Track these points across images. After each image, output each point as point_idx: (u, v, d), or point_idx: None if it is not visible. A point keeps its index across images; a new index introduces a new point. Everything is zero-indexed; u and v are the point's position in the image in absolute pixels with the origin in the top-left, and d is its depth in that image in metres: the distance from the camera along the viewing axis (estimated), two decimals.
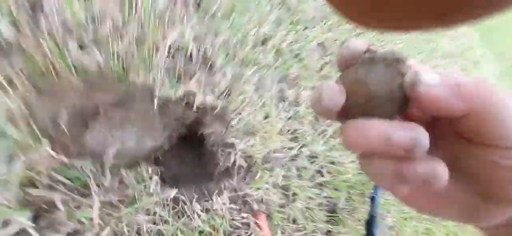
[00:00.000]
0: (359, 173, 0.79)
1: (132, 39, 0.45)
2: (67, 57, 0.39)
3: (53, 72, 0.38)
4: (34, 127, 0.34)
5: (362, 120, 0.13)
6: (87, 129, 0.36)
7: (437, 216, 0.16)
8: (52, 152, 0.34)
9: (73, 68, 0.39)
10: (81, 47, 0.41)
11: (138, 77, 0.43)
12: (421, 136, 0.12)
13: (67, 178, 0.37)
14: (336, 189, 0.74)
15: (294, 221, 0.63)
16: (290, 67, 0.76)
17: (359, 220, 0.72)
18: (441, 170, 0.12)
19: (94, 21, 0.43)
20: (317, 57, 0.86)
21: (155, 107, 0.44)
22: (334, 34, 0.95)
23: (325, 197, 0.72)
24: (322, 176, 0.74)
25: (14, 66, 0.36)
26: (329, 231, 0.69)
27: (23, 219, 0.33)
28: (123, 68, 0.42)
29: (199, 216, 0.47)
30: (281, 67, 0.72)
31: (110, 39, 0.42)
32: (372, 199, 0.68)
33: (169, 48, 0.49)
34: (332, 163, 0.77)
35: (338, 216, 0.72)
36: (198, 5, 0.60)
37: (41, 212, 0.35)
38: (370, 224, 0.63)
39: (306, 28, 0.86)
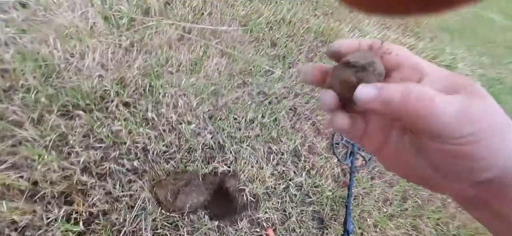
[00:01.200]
0: (338, 190, 1.18)
1: (180, 161, 0.98)
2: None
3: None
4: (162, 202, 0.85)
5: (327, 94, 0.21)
6: (177, 198, 0.85)
7: (409, 180, 0.23)
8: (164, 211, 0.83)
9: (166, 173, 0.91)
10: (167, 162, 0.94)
11: (190, 168, 0.95)
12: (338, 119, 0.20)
13: (168, 222, 0.85)
14: (321, 204, 1.13)
15: (293, 230, 1.02)
16: (271, 131, 1.26)
17: (340, 224, 1.08)
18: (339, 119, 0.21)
19: (177, 149, 0.98)
20: (290, 118, 1.36)
21: (200, 179, 0.94)
22: (303, 98, 1.46)
23: (313, 211, 1.10)
24: (309, 197, 1.14)
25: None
26: (320, 234, 1.06)
27: None
28: (185, 167, 0.94)
29: (232, 234, 0.91)
30: (265, 134, 1.22)
31: (180, 159, 0.95)
32: (346, 206, 1.07)
33: (202, 148, 1.02)
34: (316, 186, 1.18)
35: (326, 223, 1.09)
36: (210, 118, 1.15)
37: None
38: (345, 223, 1.01)
39: (278, 102, 1.39)
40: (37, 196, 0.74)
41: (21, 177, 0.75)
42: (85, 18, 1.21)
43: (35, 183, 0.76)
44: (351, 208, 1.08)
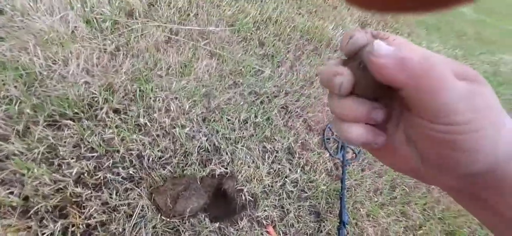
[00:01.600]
0: (331, 183, 1.25)
1: (177, 166, 0.99)
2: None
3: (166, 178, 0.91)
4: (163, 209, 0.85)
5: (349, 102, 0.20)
6: (177, 203, 0.86)
7: (398, 170, 0.23)
8: (164, 217, 0.84)
9: (163, 179, 0.92)
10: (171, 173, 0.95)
11: (188, 172, 0.96)
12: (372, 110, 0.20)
13: (169, 228, 0.86)
14: (317, 198, 1.19)
15: (292, 226, 1.07)
16: (265, 130, 1.29)
17: (335, 216, 1.14)
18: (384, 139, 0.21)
19: (183, 156, 0.98)
20: (282, 116, 1.41)
21: (199, 183, 0.95)
22: (293, 96, 1.51)
23: (310, 205, 1.16)
24: (305, 192, 1.19)
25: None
26: (318, 227, 1.11)
27: None
28: (182, 171, 0.95)
29: (233, 234, 0.93)
30: (259, 133, 1.26)
31: (177, 164, 0.96)
32: (341, 198, 1.13)
33: (198, 151, 1.03)
34: (311, 181, 1.23)
35: (322, 216, 1.15)
36: (204, 120, 1.17)
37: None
38: (340, 215, 1.07)
39: (270, 101, 1.43)
40: (30, 212, 0.72)
41: (11, 193, 0.73)
42: (65, 22, 1.17)
43: (26, 198, 0.74)
44: (345, 200, 1.15)
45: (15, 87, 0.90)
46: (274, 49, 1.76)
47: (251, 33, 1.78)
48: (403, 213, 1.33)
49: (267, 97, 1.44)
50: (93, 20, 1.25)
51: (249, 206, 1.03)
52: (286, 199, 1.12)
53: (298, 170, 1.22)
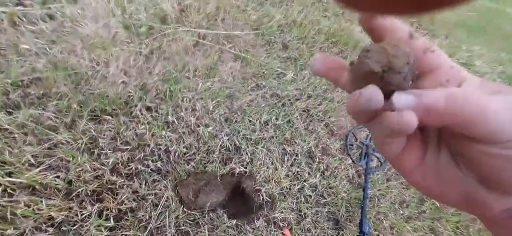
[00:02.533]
0: (353, 191, 1.20)
1: (200, 163, 1.04)
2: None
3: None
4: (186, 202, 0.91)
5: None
6: (198, 197, 0.91)
7: (443, 202, 0.20)
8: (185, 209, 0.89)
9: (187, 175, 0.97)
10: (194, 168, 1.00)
11: (209, 169, 1.00)
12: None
13: (190, 220, 0.91)
14: (336, 205, 1.16)
15: (309, 230, 1.05)
16: (285, 132, 1.30)
17: (356, 225, 1.10)
18: (409, 117, 0.16)
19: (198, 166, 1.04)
20: (303, 119, 1.40)
21: (219, 180, 0.99)
22: (316, 100, 1.49)
23: (328, 212, 1.13)
24: (324, 198, 1.17)
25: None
26: (336, 235, 1.08)
27: None
28: (204, 167, 1.00)
29: (250, 232, 0.95)
30: (279, 135, 1.26)
31: (199, 160, 1.01)
32: (362, 207, 1.09)
33: (220, 149, 1.07)
34: (330, 187, 1.20)
35: (341, 224, 1.11)
36: (226, 120, 1.21)
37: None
38: (361, 224, 1.04)
39: (291, 104, 1.43)
40: (72, 195, 0.82)
41: (58, 177, 0.83)
42: (107, 28, 1.30)
43: (70, 182, 0.84)
44: (367, 209, 1.10)
45: (65, 85, 1.02)
46: (297, 52, 1.76)
47: (275, 37, 1.79)
48: (432, 229, 1.23)
49: (289, 100, 1.44)
50: (131, 26, 1.37)
51: (266, 206, 1.04)
52: (304, 203, 1.11)
53: (318, 175, 1.20)
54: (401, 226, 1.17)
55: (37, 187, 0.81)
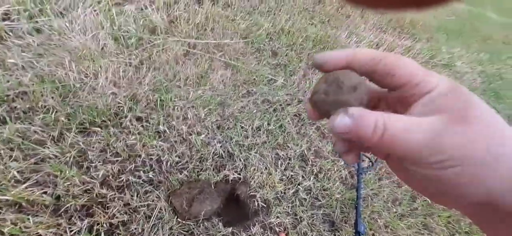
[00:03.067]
0: (346, 192, 1.21)
1: (192, 171, 1.03)
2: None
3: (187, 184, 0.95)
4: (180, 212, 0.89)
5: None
6: (192, 206, 0.89)
7: (426, 196, 0.22)
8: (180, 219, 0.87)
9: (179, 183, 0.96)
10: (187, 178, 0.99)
11: (203, 177, 0.99)
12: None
13: (184, 230, 0.89)
14: (331, 207, 1.16)
15: (305, 234, 1.05)
16: (278, 137, 1.30)
17: (351, 226, 1.10)
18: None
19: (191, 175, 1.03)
20: (295, 124, 1.41)
21: (213, 187, 0.98)
22: (305, 105, 1.52)
23: (324, 214, 1.13)
24: (319, 200, 1.17)
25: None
26: None
27: None
28: (198, 176, 0.99)
29: None
30: (272, 140, 1.27)
31: (192, 168, 1.00)
32: (356, 207, 1.10)
33: (213, 157, 1.07)
34: (325, 189, 1.21)
35: (337, 226, 1.12)
36: (218, 128, 1.21)
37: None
38: (356, 225, 1.04)
39: (283, 109, 1.45)
40: (60, 210, 0.79)
41: (45, 192, 0.80)
42: (96, 40, 1.29)
43: (58, 197, 0.81)
44: (361, 209, 1.10)
45: (52, 98, 1.00)
46: (287, 58, 1.79)
47: (264, 44, 1.82)
48: (425, 225, 1.25)
49: (280, 105, 1.45)
50: (120, 37, 1.36)
51: (261, 212, 1.03)
52: (299, 206, 1.11)
53: (312, 178, 1.21)
54: (395, 224, 1.19)
55: (23, 204, 0.77)
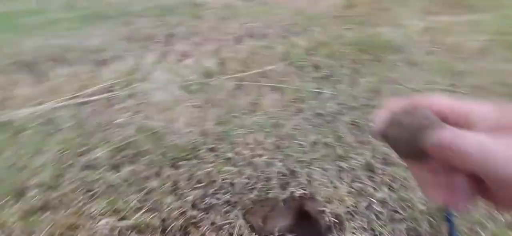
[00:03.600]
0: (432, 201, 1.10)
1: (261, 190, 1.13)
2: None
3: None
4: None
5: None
6: (266, 223, 0.98)
7: None
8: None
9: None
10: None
11: (271, 195, 1.08)
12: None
13: None
14: (416, 220, 1.06)
15: None
16: (336, 149, 1.31)
17: None
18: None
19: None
20: (353, 132, 1.39)
21: (282, 204, 1.05)
22: (361, 110, 1.49)
23: (407, 228, 1.05)
24: (399, 213, 1.09)
25: None
26: None
27: None
28: (266, 194, 1.08)
29: None
30: (331, 153, 1.28)
31: (260, 188, 1.11)
32: (447, 219, 0.98)
33: (277, 175, 1.15)
34: (403, 200, 1.13)
35: None
36: (277, 148, 1.30)
37: None
38: None
39: (335, 119, 1.45)
40: (167, 230, 0.99)
41: (155, 216, 1.02)
42: (171, 93, 1.62)
43: (163, 220, 1.02)
44: (453, 220, 0.97)
45: (149, 143, 1.29)
46: (329, 69, 1.82)
47: (305, 61, 1.91)
48: None
49: (332, 116, 1.47)
50: (186, 86, 1.67)
51: (334, 228, 1.04)
52: (375, 220, 1.06)
53: (385, 188, 1.15)
54: (505, 235, 1.00)
55: (142, 226, 1.00)
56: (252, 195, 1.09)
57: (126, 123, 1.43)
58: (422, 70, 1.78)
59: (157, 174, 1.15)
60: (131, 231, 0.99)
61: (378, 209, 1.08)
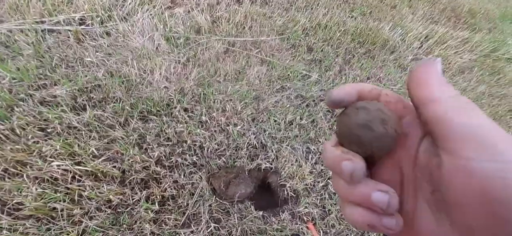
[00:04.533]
0: None
1: (229, 158, 1.12)
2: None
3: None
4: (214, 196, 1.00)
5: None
6: (228, 188, 0.99)
7: None
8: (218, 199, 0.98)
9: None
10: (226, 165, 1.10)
11: (238, 164, 1.08)
12: (392, 198, 0.16)
13: (221, 208, 0.99)
14: None
15: (333, 226, 1.06)
16: (310, 132, 1.32)
17: None
18: (399, 222, 0.17)
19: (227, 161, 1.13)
20: (328, 119, 1.40)
21: (247, 174, 1.06)
22: None
23: None
24: None
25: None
26: (362, 233, 1.07)
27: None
28: (234, 162, 1.08)
29: (275, 223, 1.00)
30: (303, 135, 1.29)
31: (229, 156, 1.10)
32: None
33: (247, 146, 1.15)
34: None
35: None
36: (253, 120, 1.28)
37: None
38: None
39: (316, 104, 1.45)
40: (125, 182, 0.96)
41: (114, 166, 0.99)
42: (152, 41, 1.48)
43: (124, 171, 0.99)
44: None
45: (119, 90, 1.20)
46: (322, 54, 1.76)
47: (300, 40, 1.82)
48: None
49: (313, 100, 1.46)
50: (171, 38, 1.53)
51: (291, 201, 1.08)
52: (328, 199, 1.12)
53: None
54: None
55: (99, 174, 0.97)
56: (219, 161, 1.08)
57: (97, 63, 1.31)
58: (405, 74, 1.80)
59: (123, 125, 1.09)
60: (87, 177, 0.95)
61: (332, 190, 1.14)
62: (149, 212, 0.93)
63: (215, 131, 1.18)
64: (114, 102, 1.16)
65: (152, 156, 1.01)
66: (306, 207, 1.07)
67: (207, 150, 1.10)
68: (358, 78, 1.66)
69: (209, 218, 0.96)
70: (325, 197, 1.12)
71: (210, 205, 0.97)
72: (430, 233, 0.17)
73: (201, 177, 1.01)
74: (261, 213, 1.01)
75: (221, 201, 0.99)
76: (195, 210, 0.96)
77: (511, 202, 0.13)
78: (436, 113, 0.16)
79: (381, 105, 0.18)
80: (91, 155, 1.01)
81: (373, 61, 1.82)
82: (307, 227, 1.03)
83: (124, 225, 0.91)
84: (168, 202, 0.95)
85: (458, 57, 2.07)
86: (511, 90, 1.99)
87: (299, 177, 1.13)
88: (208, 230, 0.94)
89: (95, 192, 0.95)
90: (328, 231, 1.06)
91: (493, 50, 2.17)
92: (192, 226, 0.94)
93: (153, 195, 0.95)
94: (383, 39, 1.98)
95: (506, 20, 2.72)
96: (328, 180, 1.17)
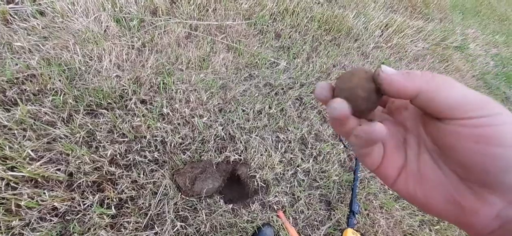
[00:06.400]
0: (344, 174, 1.26)
1: (195, 152, 1.08)
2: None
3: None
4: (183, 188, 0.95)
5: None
6: (194, 184, 0.96)
7: (429, 210, 0.20)
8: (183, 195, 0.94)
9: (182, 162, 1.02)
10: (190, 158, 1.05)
11: (205, 158, 1.05)
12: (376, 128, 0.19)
13: (188, 206, 0.96)
14: (328, 188, 1.22)
15: (302, 212, 1.12)
16: (279, 121, 1.34)
17: (346, 205, 1.16)
18: (377, 127, 0.19)
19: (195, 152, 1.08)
20: (297, 107, 1.44)
21: (214, 168, 1.04)
22: (308, 88, 1.53)
23: (320, 194, 1.19)
24: (317, 181, 1.23)
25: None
26: (328, 215, 1.15)
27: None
28: (200, 156, 1.04)
29: (246, 215, 1.01)
30: (272, 124, 1.31)
31: (195, 150, 1.05)
32: (352, 188, 1.15)
33: (215, 139, 1.12)
34: (323, 172, 1.26)
35: (333, 205, 1.18)
36: (220, 111, 1.25)
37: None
38: (351, 204, 1.10)
39: (284, 92, 1.47)
40: (73, 186, 0.86)
41: (58, 169, 0.87)
42: (98, 22, 1.31)
43: (71, 174, 0.88)
44: (357, 191, 1.16)
45: (59, 80, 1.05)
46: (290, 41, 1.78)
47: (268, 26, 1.81)
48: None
49: (282, 88, 1.48)
50: (122, 19, 1.38)
51: (261, 191, 1.10)
52: (297, 187, 1.17)
53: (310, 160, 1.26)
54: (390, 205, 1.24)
55: (39, 180, 0.85)
56: (184, 156, 1.04)
57: (29, 49, 1.12)
58: (368, 62, 1.92)
59: (67, 121, 0.97)
60: (24, 184, 0.83)
61: (301, 177, 1.19)
62: (105, 217, 0.85)
63: (178, 124, 1.12)
64: (54, 95, 1.01)
65: (104, 155, 0.92)
66: (276, 196, 1.10)
67: (170, 145, 1.04)
68: (324, 65, 1.72)
69: (175, 217, 0.92)
70: (294, 185, 1.17)
71: (175, 204, 0.93)
72: (432, 175, 0.20)
73: (164, 174, 0.96)
74: (230, 206, 1.00)
75: (187, 198, 0.96)
76: (159, 210, 0.91)
77: (500, 140, 0.16)
78: (428, 96, 0.19)
79: (367, 74, 0.22)
80: (28, 158, 0.88)
81: (338, 48, 1.90)
82: (277, 215, 1.06)
83: (75, 234, 0.82)
84: (127, 205, 0.88)
85: (413, 46, 2.27)
86: (457, 76, 2.28)
87: (268, 167, 1.15)
88: (174, 230, 0.91)
89: (36, 200, 0.83)
90: (297, 216, 1.11)
91: (443, 39, 2.44)
92: (156, 227, 0.90)
93: (109, 198, 0.88)
94: (348, 27, 2.07)
95: (456, 10, 3.06)
96: (297, 168, 1.21)
